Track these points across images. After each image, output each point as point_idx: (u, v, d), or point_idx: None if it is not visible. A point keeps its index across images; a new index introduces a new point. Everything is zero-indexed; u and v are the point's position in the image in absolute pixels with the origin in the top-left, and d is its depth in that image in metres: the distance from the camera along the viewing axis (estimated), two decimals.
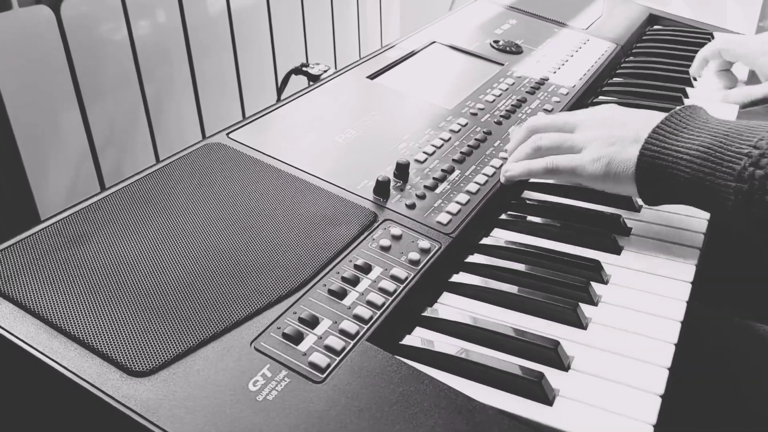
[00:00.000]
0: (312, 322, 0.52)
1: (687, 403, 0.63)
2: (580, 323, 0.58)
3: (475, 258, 0.65)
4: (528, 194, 0.77)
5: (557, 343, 0.54)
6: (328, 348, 0.50)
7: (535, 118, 0.75)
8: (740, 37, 1.07)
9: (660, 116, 0.65)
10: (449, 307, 0.60)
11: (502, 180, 0.73)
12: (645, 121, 0.66)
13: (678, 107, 0.66)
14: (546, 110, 0.88)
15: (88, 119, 1.04)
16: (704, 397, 0.67)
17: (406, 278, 0.58)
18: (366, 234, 0.62)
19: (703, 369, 0.69)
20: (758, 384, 0.70)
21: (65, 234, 0.56)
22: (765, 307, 0.86)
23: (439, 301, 0.61)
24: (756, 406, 0.68)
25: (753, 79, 1.05)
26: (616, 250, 0.67)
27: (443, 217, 0.65)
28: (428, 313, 0.58)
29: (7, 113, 0.92)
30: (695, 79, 1.09)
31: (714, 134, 0.60)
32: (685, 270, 0.65)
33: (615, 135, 0.66)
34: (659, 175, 0.62)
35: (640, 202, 0.76)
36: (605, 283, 0.63)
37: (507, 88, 0.92)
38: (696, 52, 1.16)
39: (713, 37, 1.24)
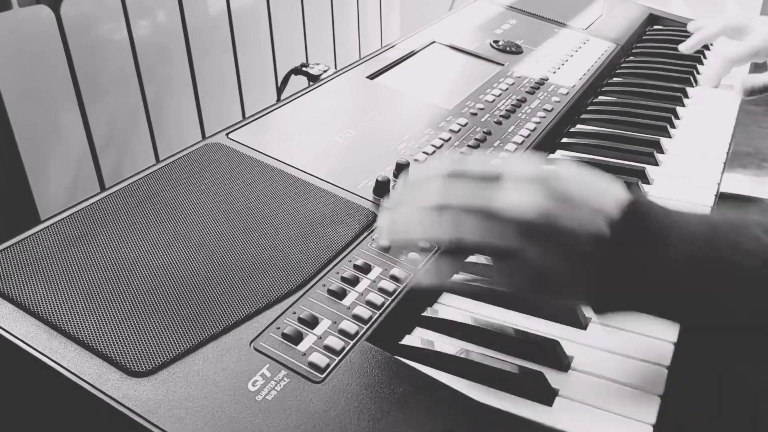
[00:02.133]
0: (311, 322, 0.52)
1: (687, 402, 0.63)
2: (579, 323, 0.57)
3: (475, 258, 0.65)
4: None
5: (557, 343, 0.54)
6: (328, 348, 0.50)
7: (449, 160, 0.51)
8: (743, 18, 1.05)
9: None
10: (449, 307, 0.60)
11: (379, 242, 0.57)
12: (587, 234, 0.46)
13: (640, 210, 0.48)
14: (546, 110, 0.88)
15: (88, 119, 1.04)
16: (704, 396, 0.67)
17: (406, 278, 0.58)
18: (365, 234, 0.62)
19: (704, 366, 0.69)
20: (759, 382, 0.70)
21: (65, 234, 0.56)
22: None
23: (438, 301, 0.61)
24: (756, 405, 0.68)
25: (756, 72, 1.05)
26: None
27: None
28: (428, 313, 0.58)
29: (7, 113, 0.92)
30: (697, 73, 1.09)
31: (695, 240, 0.45)
32: None
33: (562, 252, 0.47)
34: (638, 296, 0.48)
35: None
36: None
37: (507, 88, 0.92)
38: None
39: None
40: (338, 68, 0.93)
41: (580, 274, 0.47)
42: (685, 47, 1.09)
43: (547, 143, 0.85)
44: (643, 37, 1.26)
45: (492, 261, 0.50)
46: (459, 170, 0.49)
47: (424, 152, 0.74)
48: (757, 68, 1.08)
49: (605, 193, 0.48)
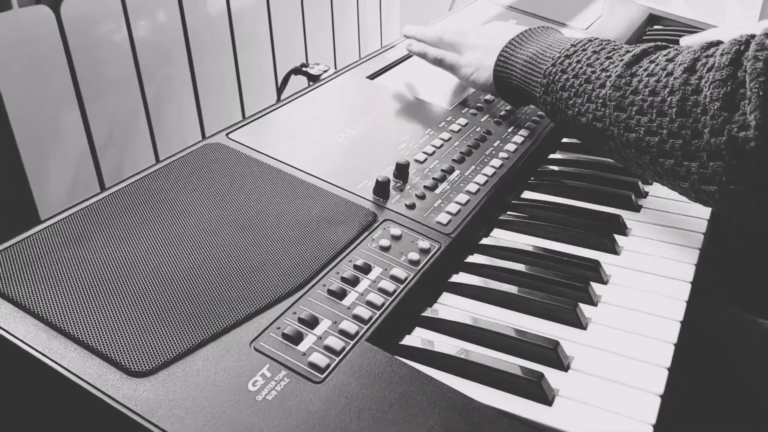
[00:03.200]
0: (311, 323, 0.52)
1: (688, 400, 0.63)
2: (579, 323, 0.58)
3: (475, 258, 0.65)
4: (528, 194, 0.77)
5: (557, 343, 0.54)
6: (328, 348, 0.50)
7: (450, 23, 0.93)
8: (748, 23, 1.06)
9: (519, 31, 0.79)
10: (449, 307, 0.60)
11: (405, 47, 0.91)
12: (508, 35, 0.78)
13: (536, 26, 0.79)
14: None
15: (88, 119, 1.04)
16: (706, 394, 0.67)
17: (406, 278, 0.58)
18: (366, 234, 0.62)
19: (704, 365, 0.69)
20: (760, 380, 0.70)
21: (65, 234, 0.56)
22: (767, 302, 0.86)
23: (438, 301, 0.61)
24: (757, 402, 0.68)
25: None
26: (616, 250, 0.67)
27: (443, 218, 0.65)
28: (428, 313, 0.58)
29: (7, 113, 0.92)
30: None
31: (540, 45, 0.74)
32: (685, 270, 0.65)
33: (487, 46, 0.80)
34: (505, 81, 0.77)
35: (640, 202, 0.76)
36: (605, 283, 0.63)
37: None
38: None
39: None
40: (338, 68, 0.93)
41: (486, 72, 0.80)
42: None
43: (547, 142, 0.85)
44: (643, 38, 1.26)
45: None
46: (453, 28, 0.87)
47: (424, 152, 0.74)
48: None
49: (506, 32, 0.79)
